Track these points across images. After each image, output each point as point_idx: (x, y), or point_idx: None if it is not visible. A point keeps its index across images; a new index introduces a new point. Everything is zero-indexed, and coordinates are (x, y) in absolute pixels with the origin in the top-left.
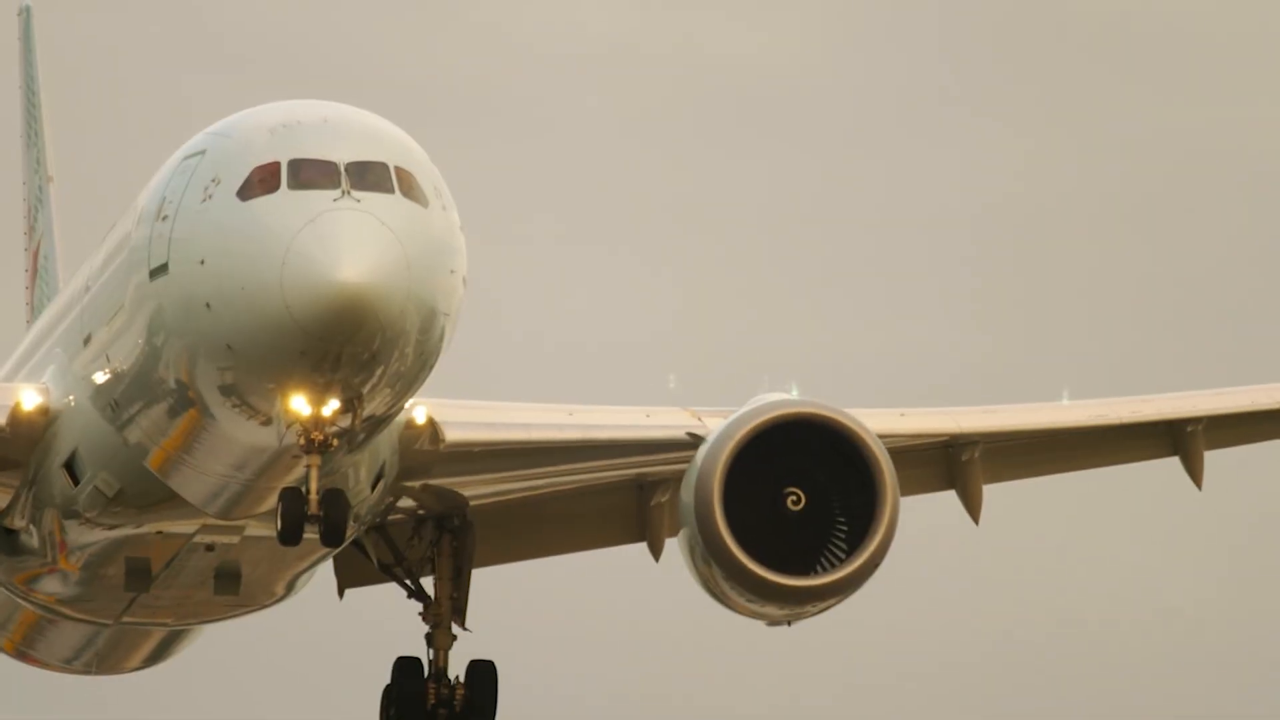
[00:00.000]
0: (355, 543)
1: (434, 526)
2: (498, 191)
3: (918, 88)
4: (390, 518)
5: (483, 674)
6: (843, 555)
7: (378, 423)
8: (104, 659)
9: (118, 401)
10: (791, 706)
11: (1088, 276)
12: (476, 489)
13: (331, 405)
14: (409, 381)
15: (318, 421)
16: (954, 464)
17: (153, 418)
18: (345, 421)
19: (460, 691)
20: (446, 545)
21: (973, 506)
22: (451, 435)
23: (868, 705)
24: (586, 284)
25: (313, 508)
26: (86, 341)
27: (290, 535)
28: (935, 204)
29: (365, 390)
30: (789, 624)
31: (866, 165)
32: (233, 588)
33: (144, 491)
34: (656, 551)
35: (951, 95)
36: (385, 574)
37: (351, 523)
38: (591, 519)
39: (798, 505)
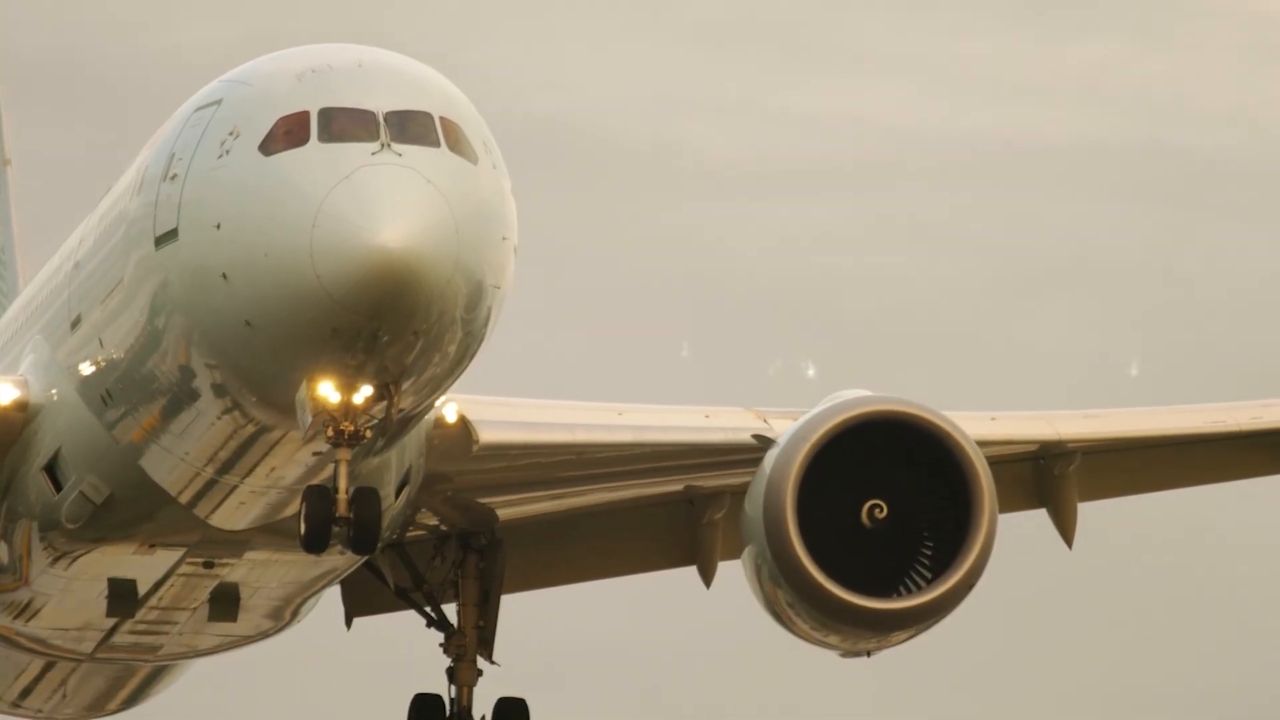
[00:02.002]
0: (368, 564)
1: (458, 545)
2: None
3: None
4: (409, 534)
5: (513, 713)
6: (928, 577)
7: (414, 415)
8: (70, 698)
9: (111, 393)
10: None
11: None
12: (510, 500)
13: (365, 391)
14: (452, 366)
15: (349, 410)
16: (1045, 478)
17: (153, 411)
18: (379, 411)
19: None
20: (472, 567)
21: (1066, 526)
22: (486, 436)
23: None
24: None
25: (341, 508)
26: (75, 325)
27: (315, 540)
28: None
29: (403, 375)
30: (868, 655)
31: None
32: (230, 613)
33: (138, 498)
34: (708, 576)
35: None
36: (402, 600)
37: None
38: (635, 539)
39: (880, 519)
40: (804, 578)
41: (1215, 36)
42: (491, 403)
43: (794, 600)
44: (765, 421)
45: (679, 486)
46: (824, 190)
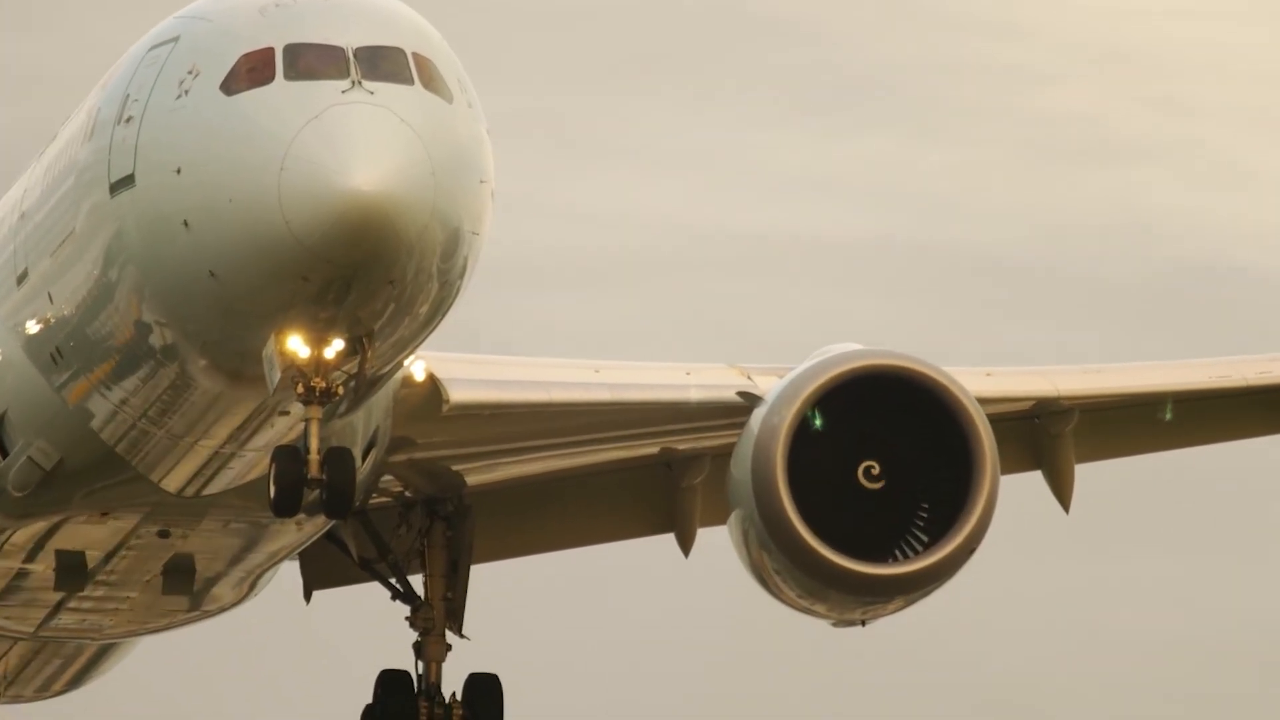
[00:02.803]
0: (329, 534)
1: (424, 513)
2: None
3: None
4: (371, 502)
5: (484, 690)
6: (924, 542)
7: (386, 371)
8: (9, 680)
9: (61, 352)
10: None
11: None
12: (479, 465)
13: (336, 345)
14: (428, 317)
15: (319, 365)
16: (1041, 438)
17: (106, 370)
18: (351, 366)
19: (458, 711)
20: (439, 535)
21: (1063, 489)
22: (457, 395)
23: None
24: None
25: (313, 469)
26: (21, 280)
27: (286, 503)
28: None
29: (377, 326)
30: (863, 624)
31: None
32: (184, 586)
33: (90, 464)
34: (686, 544)
35: None
36: (365, 571)
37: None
38: (610, 505)
39: (875, 480)
40: (795, 542)
41: (993, 134)
42: (461, 360)
43: (783, 566)
44: (749, 378)
45: (657, 449)
46: (603, 284)
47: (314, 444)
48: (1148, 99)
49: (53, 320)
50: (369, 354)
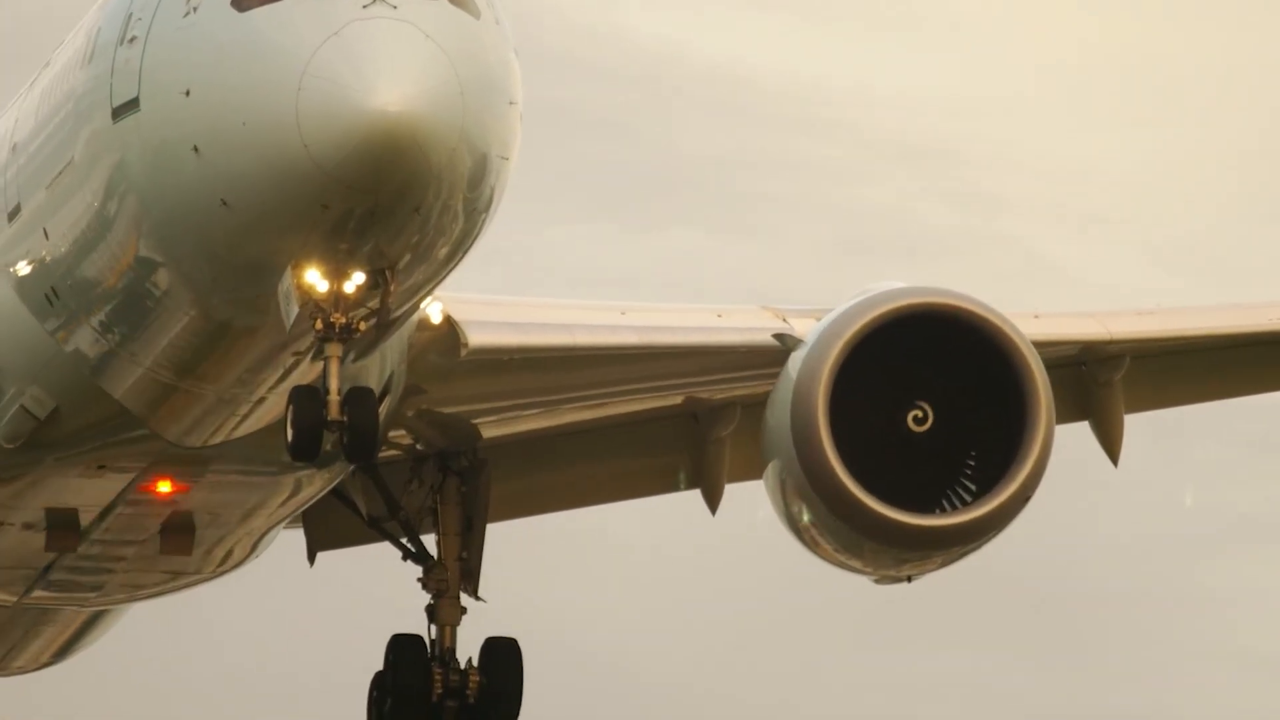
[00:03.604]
0: (335, 490)
1: (437, 468)
2: None
3: None
4: (381, 455)
5: (502, 655)
6: (972, 492)
7: (407, 308)
8: None
9: (57, 292)
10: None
11: None
12: (496, 417)
13: (357, 278)
14: (454, 248)
15: (339, 300)
16: (1089, 387)
17: (107, 311)
18: (373, 301)
19: (474, 678)
20: (453, 491)
21: (1111, 441)
22: (476, 338)
23: None
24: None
25: (333, 411)
26: (13, 216)
27: (305, 446)
28: None
29: (401, 258)
30: (909, 580)
31: None
32: (182, 546)
33: (87, 413)
34: (714, 500)
35: None
36: (375, 530)
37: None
38: (634, 460)
39: (922, 425)
40: (838, 492)
41: (799, 228)
42: (480, 301)
43: (823, 518)
44: (784, 321)
45: (682, 399)
46: None
47: (334, 384)
48: (954, 194)
49: (48, 258)
50: (392, 288)
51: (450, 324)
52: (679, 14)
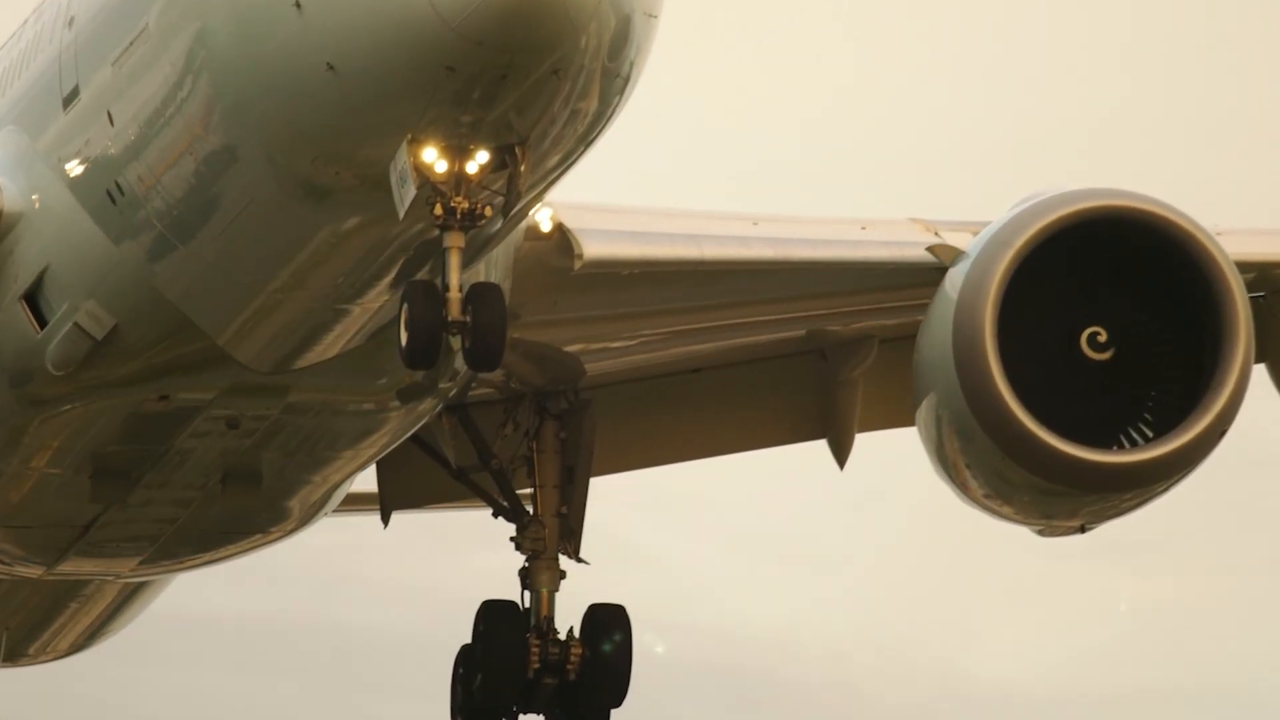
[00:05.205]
0: (416, 438)
1: (534, 409)
2: None
3: None
4: (471, 394)
5: (608, 623)
6: (1152, 425)
7: (538, 191)
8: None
9: (121, 187)
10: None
11: None
12: (605, 344)
13: (482, 157)
14: (594, 121)
15: (462, 181)
16: (1270, 324)
17: (184, 207)
18: (500, 184)
19: (576, 650)
20: (551, 438)
21: None
22: (592, 249)
23: None
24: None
25: (453, 310)
26: (69, 101)
27: (422, 351)
28: None
29: (535, 131)
30: (1083, 529)
31: None
32: (248, 498)
33: (152, 331)
34: (842, 452)
35: None
36: (462, 483)
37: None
38: (754, 404)
39: (1102, 352)
40: (1008, 424)
41: None
42: (595, 209)
43: (993, 456)
44: (937, 235)
45: (813, 330)
46: None
47: (454, 279)
48: None
49: (113, 148)
50: (522, 167)
51: (563, 232)
52: None
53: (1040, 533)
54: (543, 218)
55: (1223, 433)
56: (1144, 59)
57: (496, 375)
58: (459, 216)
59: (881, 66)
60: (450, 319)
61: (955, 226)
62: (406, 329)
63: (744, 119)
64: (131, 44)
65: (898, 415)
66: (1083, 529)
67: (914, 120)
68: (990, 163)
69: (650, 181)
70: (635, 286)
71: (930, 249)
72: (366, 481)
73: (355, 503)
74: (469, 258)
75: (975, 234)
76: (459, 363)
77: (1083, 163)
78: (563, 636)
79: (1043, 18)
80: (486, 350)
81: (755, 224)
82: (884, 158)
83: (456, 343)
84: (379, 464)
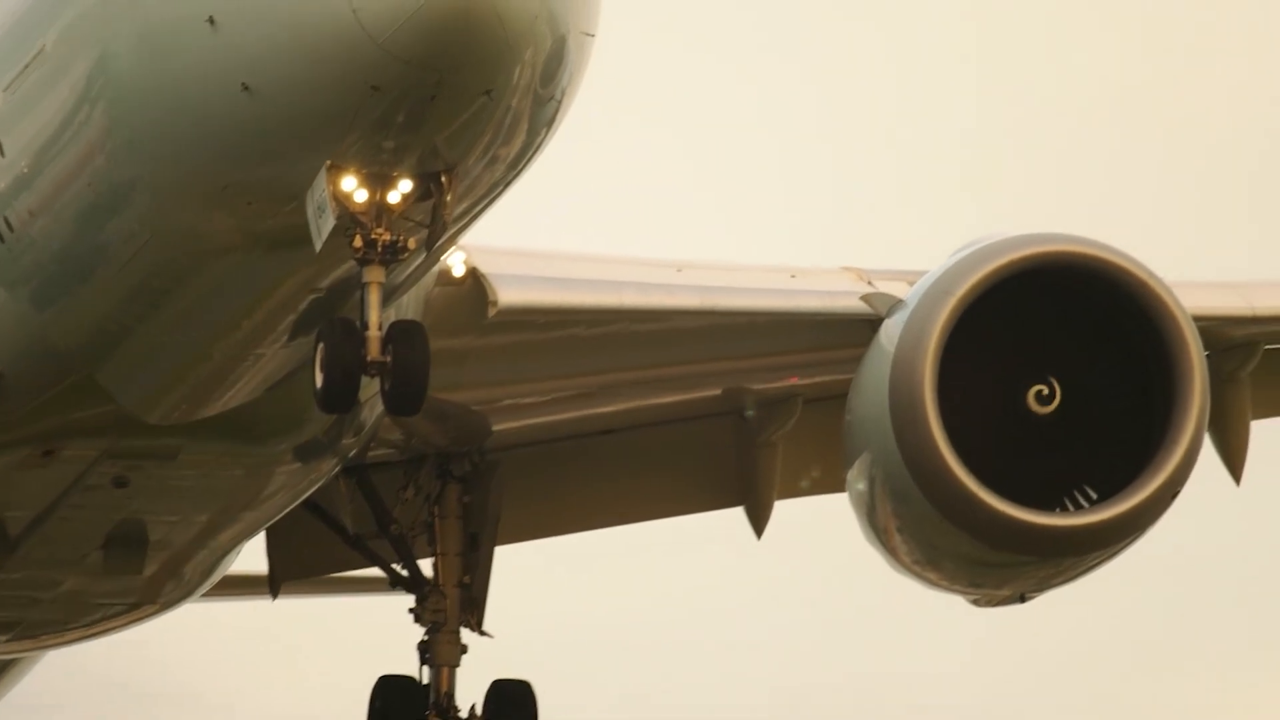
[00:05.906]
0: (309, 503)
1: (435, 472)
2: None
3: None
4: (370, 454)
5: (513, 700)
6: (1098, 488)
7: (461, 225)
8: None
9: (10, 223)
10: None
11: None
12: (515, 401)
13: (405, 186)
14: (524, 147)
15: (384, 211)
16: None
17: (78, 243)
18: (423, 215)
19: None
20: (453, 503)
21: (1234, 452)
22: (506, 295)
23: None
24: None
25: (373, 349)
26: None
27: (338, 394)
28: None
29: (463, 157)
30: (1023, 599)
31: None
32: (132, 563)
33: (39, 380)
34: (760, 520)
35: None
36: (358, 552)
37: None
38: (670, 468)
39: (1047, 406)
40: (949, 484)
41: None
42: (510, 254)
43: (930, 518)
44: (870, 284)
45: (734, 388)
46: None
47: (374, 316)
48: None
49: (2, 181)
50: (448, 197)
51: (476, 278)
52: None
53: (976, 602)
54: (455, 261)
55: (1175, 493)
56: (1091, 101)
57: (396, 434)
58: (380, 250)
59: (813, 104)
60: (369, 359)
61: (891, 275)
62: (323, 369)
63: (668, 160)
64: (26, 67)
65: (822, 481)
66: (1023, 598)
67: (848, 164)
68: (927, 209)
69: (567, 225)
70: (551, 336)
71: (864, 298)
72: (252, 560)
73: (239, 586)
74: (387, 297)
75: (911, 283)
76: (365, 413)
77: (1027, 208)
78: (464, 715)
79: (984, 57)
80: (408, 392)
81: (679, 270)
82: (815, 203)
83: (374, 385)
84: (268, 531)
